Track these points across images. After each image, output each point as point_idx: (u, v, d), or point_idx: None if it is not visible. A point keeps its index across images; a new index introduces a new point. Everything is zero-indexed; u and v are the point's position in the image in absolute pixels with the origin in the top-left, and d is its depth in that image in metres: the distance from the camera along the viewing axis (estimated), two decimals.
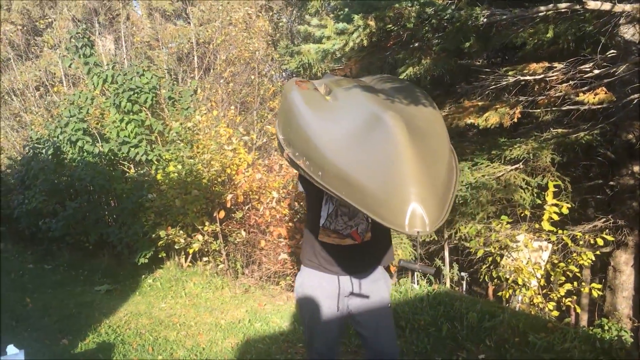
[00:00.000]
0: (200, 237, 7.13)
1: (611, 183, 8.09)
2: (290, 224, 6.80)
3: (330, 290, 2.68)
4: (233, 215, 7.08)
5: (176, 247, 7.22)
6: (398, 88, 2.84)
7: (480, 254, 6.13)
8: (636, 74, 6.00)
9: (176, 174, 7.24)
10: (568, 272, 5.56)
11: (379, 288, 2.73)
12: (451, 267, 6.92)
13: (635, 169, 7.78)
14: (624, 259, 8.17)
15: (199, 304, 6.32)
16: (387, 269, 2.90)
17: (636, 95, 5.04)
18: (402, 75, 5.23)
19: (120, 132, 7.90)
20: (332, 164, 2.10)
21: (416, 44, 4.48)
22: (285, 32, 13.96)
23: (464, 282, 7.06)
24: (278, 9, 14.33)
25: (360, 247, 2.67)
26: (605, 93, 4.18)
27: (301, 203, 6.72)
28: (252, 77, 11.94)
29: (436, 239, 7.42)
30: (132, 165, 8.44)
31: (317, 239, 2.69)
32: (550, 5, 3.20)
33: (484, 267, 5.96)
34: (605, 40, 5.19)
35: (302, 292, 2.77)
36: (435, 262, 6.77)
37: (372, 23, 3.58)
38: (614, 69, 4.49)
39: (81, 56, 8.13)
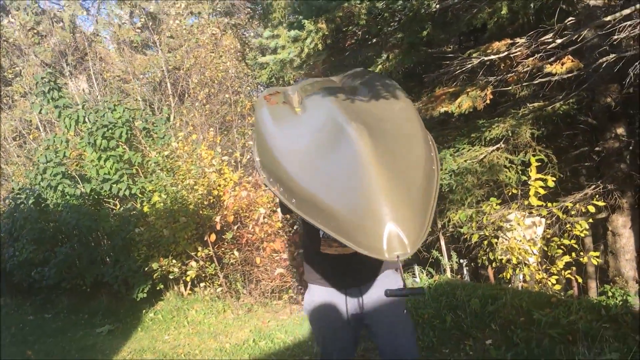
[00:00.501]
0: (194, 263, 7.05)
1: (597, 149, 8.07)
2: (284, 237, 6.75)
3: (339, 305, 2.56)
4: (224, 236, 7.02)
5: (171, 277, 7.15)
6: (367, 84, 2.75)
7: (475, 238, 6.08)
8: (602, 38, 5.99)
9: (162, 204, 7.18)
10: (562, 245, 5.52)
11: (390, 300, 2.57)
12: (450, 255, 6.87)
13: (619, 131, 7.75)
14: (621, 222, 8.14)
15: (202, 330, 6.25)
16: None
17: (604, 59, 5.02)
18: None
19: (99, 170, 7.83)
20: (302, 189, 2.02)
21: (374, 40, 4.45)
22: (255, 46, 13.96)
23: (465, 269, 7.01)
24: (244, 23, 14.30)
25: (365, 255, 2.55)
26: (572, 61, 4.16)
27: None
28: (227, 95, 11.90)
29: (430, 229, 7.35)
30: (117, 202, 8.37)
31: (318, 252, 2.56)
32: None
33: (481, 251, 5.91)
34: (567, 8, 5.17)
35: (312, 310, 2.65)
36: (433, 253, 6.71)
37: (323, 26, 3.54)
38: (576, 36, 4.47)
39: (50, 100, 8.06)
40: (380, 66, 5.39)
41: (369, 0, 3.41)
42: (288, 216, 6.60)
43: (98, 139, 7.68)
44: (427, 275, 6.36)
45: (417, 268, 6.84)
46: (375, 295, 2.52)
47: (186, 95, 12.64)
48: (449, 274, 6.56)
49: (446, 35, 4.10)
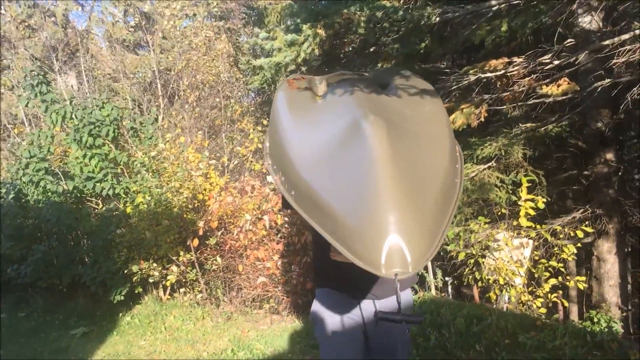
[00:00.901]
0: (175, 268, 6.92)
1: (586, 173, 8.07)
2: (268, 245, 6.64)
3: (352, 315, 2.35)
4: (207, 242, 6.89)
5: (151, 280, 7.00)
6: (399, 81, 2.53)
7: (462, 257, 6.02)
8: (597, 62, 5.99)
9: (145, 205, 7.04)
10: (551, 268, 5.47)
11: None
12: (435, 273, 6.80)
13: (608, 156, 7.77)
14: (606, 248, 8.13)
15: (179, 337, 6.10)
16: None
17: (600, 83, 5.01)
18: None
19: (83, 168, 7.67)
20: (303, 182, 1.83)
21: (371, 49, 4.39)
22: (248, 50, 13.90)
23: (449, 287, 6.94)
24: (238, 28, 14.23)
25: None
26: (568, 83, 4.12)
27: (278, 222, 6.56)
28: (217, 99, 11.80)
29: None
30: (100, 201, 8.21)
31: (329, 258, 2.28)
32: None
33: (467, 269, 5.85)
34: (563, 31, 5.16)
35: (320, 318, 2.39)
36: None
37: (321, 31, 3.46)
38: (574, 58, 4.45)
39: (37, 94, 7.90)
40: None
41: (369, 9, 3.35)
42: (286, 217, 6.49)
43: (84, 136, 7.54)
44: (411, 291, 6.27)
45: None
46: (386, 309, 2.30)
47: (176, 97, 12.52)
48: (433, 291, 6.48)
49: (443, 50, 4.05)
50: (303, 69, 4.79)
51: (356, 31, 3.47)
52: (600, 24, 6.48)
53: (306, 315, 6.59)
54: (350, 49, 4.35)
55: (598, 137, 7.75)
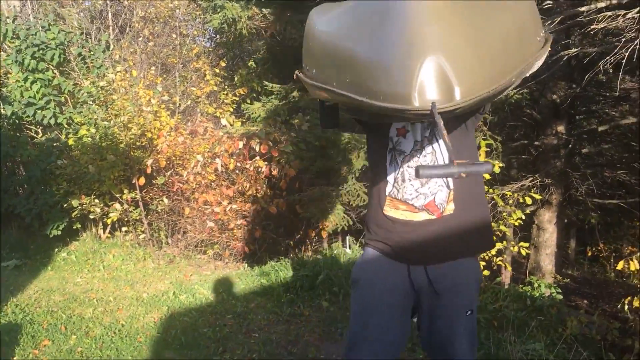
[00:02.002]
0: (118, 206, 6.65)
1: (536, 143, 8.22)
2: (217, 189, 6.46)
3: (395, 282, 1.98)
4: (154, 181, 6.63)
5: (91, 217, 6.73)
6: None
7: None
8: (561, 31, 5.99)
9: (90, 139, 6.69)
10: (498, 232, 5.56)
11: (463, 288, 1.99)
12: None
13: (559, 128, 7.92)
14: (547, 217, 8.38)
15: (118, 277, 5.90)
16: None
17: (566, 52, 4.99)
18: None
19: (24, 93, 7.17)
20: (320, 42, 1.56)
21: None
22: None
23: None
24: None
25: (439, 224, 1.92)
26: None
27: (230, 167, 6.35)
28: (174, 35, 11.27)
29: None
30: (39, 130, 7.75)
31: (382, 212, 1.99)
32: None
33: None
34: None
35: (359, 280, 2.06)
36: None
37: None
38: (547, 22, 4.38)
39: None
40: None
41: None
42: (238, 162, 6.28)
43: (26, 58, 7.03)
44: (359, 246, 6.27)
45: (348, 238, 6.74)
46: (445, 281, 1.95)
47: (127, 30, 11.88)
48: None
49: None
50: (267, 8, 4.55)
51: None
52: None
53: (252, 262, 6.50)
54: None
55: (552, 109, 7.87)
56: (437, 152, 1.93)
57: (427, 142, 1.93)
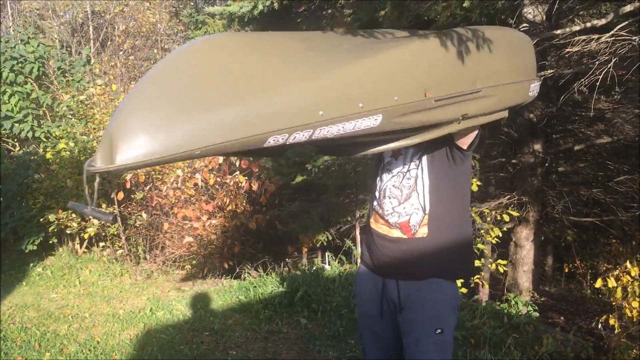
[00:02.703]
0: (96, 220, 6.58)
1: (514, 161, 8.33)
2: (196, 204, 6.43)
3: (373, 293, 2.15)
4: (133, 196, 6.59)
5: (68, 231, 6.65)
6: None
7: None
8: (538, 53, 6.11)
9: (68, 152, 6.63)
10: (476, 249, 5.61)
11: (431, 307, 2.05)
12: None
13: (536, 147, 8.04)
14: (524, 235, 8.47)
15: (95, 293, 5.83)
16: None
17: (542, 73, 5.10)
18: None
19: (2, 106, 7.11)
20: None
21: (329, 11, 4.24)
22: (190, 1, 13.34)
23: None
24: None
25: (411, 244, 2.05)
26: None
27: (210, 182, 6.33)
28: (155, 50, 11.28)
29: (349, 219, 7.31)
30: (17, 143, 7.67)
31: (370, 225, 2.17)
32: None
33: None
34: (514, 20, 5.21)
35: (355, 292, 2.44)
36: (346, 243, 6.64)
37: None
38: None
39: None
40: None
41: None
42: (219, 177, 6.27)
43: (5, 71, 6.98)
44: (338, 262, 6.27)
45: (328, 255, 6.75)
46: (414, 298, 2.05)
47: (109, 43, 11.87)
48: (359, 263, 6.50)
49: (400, 23, 3.96)
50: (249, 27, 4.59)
51: None
52: (544, 16, 6.62)
53: (230, 278, 6.47)
54: (306, 9, 4.18)
55: (529, 128, 8.00)
56: (419, 179, 2.06)
57: (413, 167, 2.07)
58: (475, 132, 2.02)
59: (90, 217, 1.46)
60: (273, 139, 1.41)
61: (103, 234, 6.84)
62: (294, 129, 1.44)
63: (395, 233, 2.06)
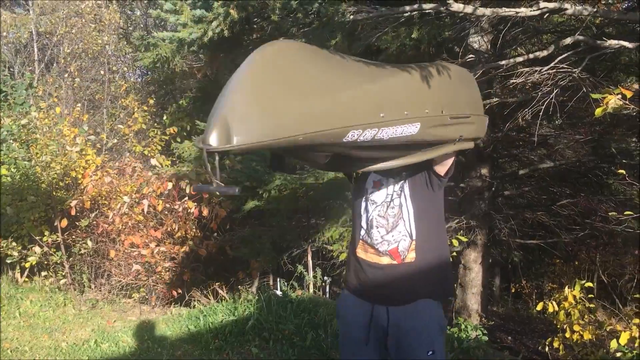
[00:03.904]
0: (37, 249, 6.34)
1: (462, 185, 8.50)
2: (144, 231, 6.27)
3: (361, 319, 2.26)
4: (78, 223, 6.38)
5: (8, 261, 6.36)
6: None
7: (343, 257, 6.07)
8: (484, 81, 6.30)
9: (9, 178, 6.38)
10: None
11: (422, 329, 2.20)
12: (315, 271, 6.81)
13: (483, 171, 8.23)
14: (473, 257, 8.61)
15: (36, 324, 5.58)
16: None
17: (487, 101, 5.25)
18: None
19: None
20: None
21: (281, 39, 4.25)
22: (140, 24, 13.15)
23: (328, 287, 6.98)
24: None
25: (401, 269, 2.21)
26: None
27: (159, 208, 6.20)
28: (102, 72, 11.05)
29: (301, 244, 7.28)
30: None
31: (355, 254, 2.31)
32: (416, 6, 3.15)
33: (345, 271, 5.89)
34: (460, 49, 5.36)
35: (337, 316, 2.43)
36: (298, 268, 6.60)
37: (233, 12, 3.27)
38: (471, 74, 4.61)
39: None
40: None
41: None
42: (167, 203, 6.14)
43: None
44: (290, 288, 6.23)
45: (280, 281, 6.69)
46: (405, 322, 2.19)
47: (54, 65, 11.57)
48: (312, 290, 6.48)
49: (350, 50, 4.02)
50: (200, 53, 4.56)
51: (269, 17, 3.32)
52: (489, 45, 6.84)
53: (179, 307, 6.32)
54: (258, 36, 4.18)
55: (476, 153, 8.19)
56: (404, 207, 2.23)
57: (396, 197, 2.24)
58: (452, 160, 2.23)
59: (217, 192, 1.63)
60: (351, 133, 1.65)
61: (45, 262, 6.58)
62: (366, 125, 1.68)
63: (385, 260, 2.21)
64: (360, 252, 2.28)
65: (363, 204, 2.32)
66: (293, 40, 1.80)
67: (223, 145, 1.37)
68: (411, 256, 2.19)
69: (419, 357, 2.16)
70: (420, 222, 2.21)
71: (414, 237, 2.19)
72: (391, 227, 2.22)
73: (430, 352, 2.17)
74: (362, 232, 2.29)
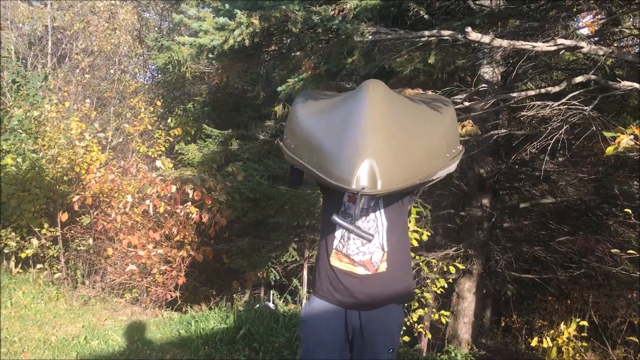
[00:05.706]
0: (35, 241, 6.33)
1: (462, 213, 8.52)
2: (142, 231, 6.28)
3: (335, 324, 2.41)
4: (79, 218, 6.38)
5: (6, 250, 6.35)
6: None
7: None
8: (491, 112, 6.35)
9: (14, 168, 6.40)
10: (422, 299, 5.66)
11: (387, 330, 2.43)
12: (309, 287, 6.80)
13: (484, 201, 8.26)
14: (467, 287, 8.60)
15: (27, 316, 5.56)
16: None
17: (496, 132, 5.30)
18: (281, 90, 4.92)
19: None
20: (302, 129, 2.18)
21: (298, 53, 4.31)
22: (155, 26, 13.25)
23: None
24: (147, 2, 13.53)
25: (374, 279, 2.37)
26: (472, 126, 4.32)
27: (160, 210, 6.21)
28: (112, 71, 11.12)
29: (297, 259, 7.28)
30: None
31: (327, 264, 2.42)
32: (435, 31, 3.19)
33: None
34: (473, 79, 5.41)
35: (305, 323, 2.47)
36: (294, 282, 6.60)
37: (256, 22, 3.32)
38: (482, 103, 4.66)
39: None
40: (285, 85, 5.17)
41: (307, 11, 3.27)
42: (169, 206, 6.15)
43: None
44: (283, 301, 6.22)
45: (273, 293, 6.68)
46: (374, 325, 2.39)
47: (66, 60, 11.63)
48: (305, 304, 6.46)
49: (365, 70, 4.07)
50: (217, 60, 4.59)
51: (290, 30, 3.37)
52: (499, 77, 6.91)
53: (170, 311, 6.30)
54: (276, 49, 4.23)
55: (479, 182, 8.23)
56: (378, 220, 2.39)
57: (371, 211, 2.39)
58: None
59: (353, 233, 2.10)
60: (439, 174, 2.10)
61: (42, 255, 6.57)
62: (445, 166, 2.11)
63: (360, 270, 2.35)
64: (335, 261, 2.40)
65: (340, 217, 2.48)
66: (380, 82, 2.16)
67: (371, 190, 1.75)
68: (383, 267, 2.36)
69: (382, 355, 2.41)
70: (391, 235, 2.38)
71: (386, 249, 2.37)
72: (367, 239, 2.30)
73: (391, 351, 2.43)
74: (336, 242, 2.41)
